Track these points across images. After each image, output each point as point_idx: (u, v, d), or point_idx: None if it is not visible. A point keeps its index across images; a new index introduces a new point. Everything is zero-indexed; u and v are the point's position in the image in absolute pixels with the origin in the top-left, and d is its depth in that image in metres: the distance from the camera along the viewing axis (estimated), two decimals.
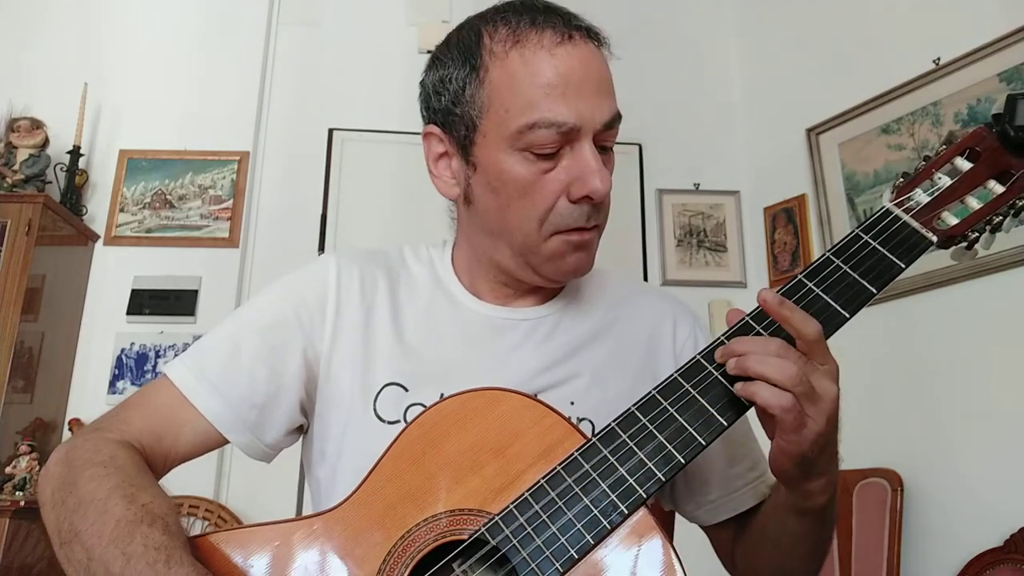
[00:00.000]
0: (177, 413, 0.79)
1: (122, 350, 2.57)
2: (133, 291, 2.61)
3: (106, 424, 0.77)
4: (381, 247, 0.93)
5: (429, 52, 0.85)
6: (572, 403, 0.81)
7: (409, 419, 0.77)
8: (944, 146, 0.75)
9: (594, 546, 0.63)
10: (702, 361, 0.68)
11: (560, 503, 0.65)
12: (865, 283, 0.68)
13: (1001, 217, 0.72)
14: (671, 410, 0.66)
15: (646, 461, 0.65)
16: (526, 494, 0.66)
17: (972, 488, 1.99)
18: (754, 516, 0.85)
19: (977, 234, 0.72)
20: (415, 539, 0.66)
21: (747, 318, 0.69)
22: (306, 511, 0.73)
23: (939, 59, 2.25)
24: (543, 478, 0.66)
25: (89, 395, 2.54)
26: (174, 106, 2.81)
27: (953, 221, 0.71)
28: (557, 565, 0.63)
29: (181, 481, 2.25)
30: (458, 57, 0.79)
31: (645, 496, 0.64)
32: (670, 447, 0.65)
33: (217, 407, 0.79)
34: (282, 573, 0.67)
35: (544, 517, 0.64)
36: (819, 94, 2.63)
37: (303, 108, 2.88)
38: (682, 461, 0.65)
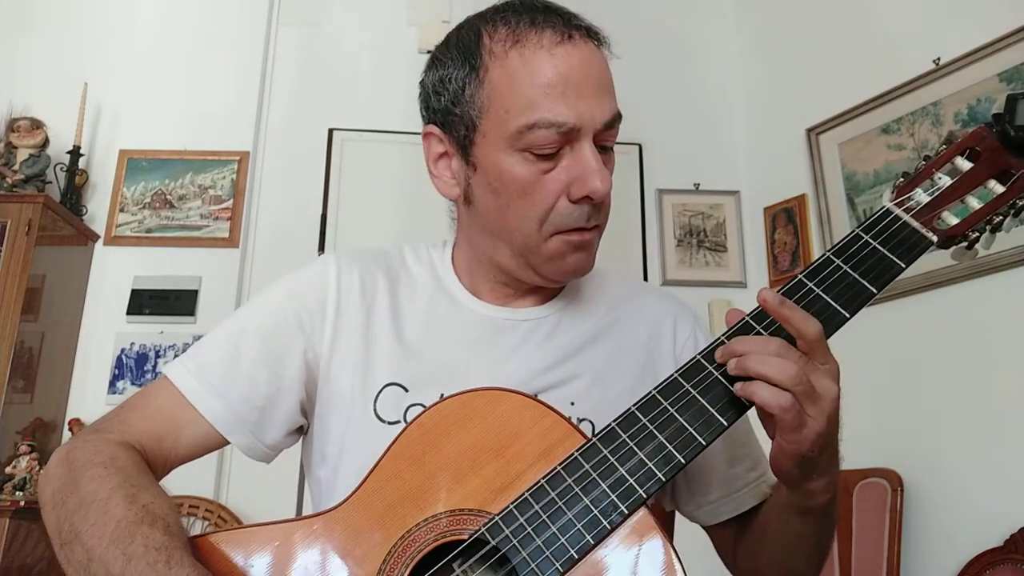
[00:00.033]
0: (177, 414, 0.79)
1: (122, 350, 2.57)
2: (133, 291, 2.61)
3: (106, 425, 0.77)
4: (381, 247, 0.93)
5: (429, 52, 0.85)
6: (572, 403, 0.81)
7: (409, 419, 0.77)
8: (944, 146, 0.75)
9: (594, 546, 0.63)
10: (702, 361, 0.68)
11: (560, 503, 0.65)
12: (865, 283, 0.68)
13: (1001, 217, 0.72)
14: (671, 410, 0.66)
15: (646, 461, 0.65)
16: (526, 494, 0.66)
17: (972, 488, 1.99)
18: (755, 516, 0.85)
19: (977, 234, 0.72)
20: (415, 539, 0.66)
21: (747, 318, 0.68)
22: (306, 511, 0.73)
23: (939, 59, 2.25)
24: (543, 478, 0.66)
25: (89, 395, 2.54)
26: (174, 106, 2.81)
27: (953, 221, 0.71)
28: (557, 565, 0.63)
29: (181, 481, 2.25)
30: (458, 57, 0.79)
31: (645, 496, 0.64)
32: (670, 447, 0.65)
33: (217, 408, 0.79)
34: (282, 573, 0.67)
35: (544, 517, 0.64)
36: (819, 94, 2.63)
37: (303, 108, 2.88)
38: (682, 461, 0.65)
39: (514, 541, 0.64)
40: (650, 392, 0.68)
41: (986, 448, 1.99)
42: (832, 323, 0.66)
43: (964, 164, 0.73)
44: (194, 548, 0.67)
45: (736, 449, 0.86)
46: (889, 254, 0.69)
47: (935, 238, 0.70)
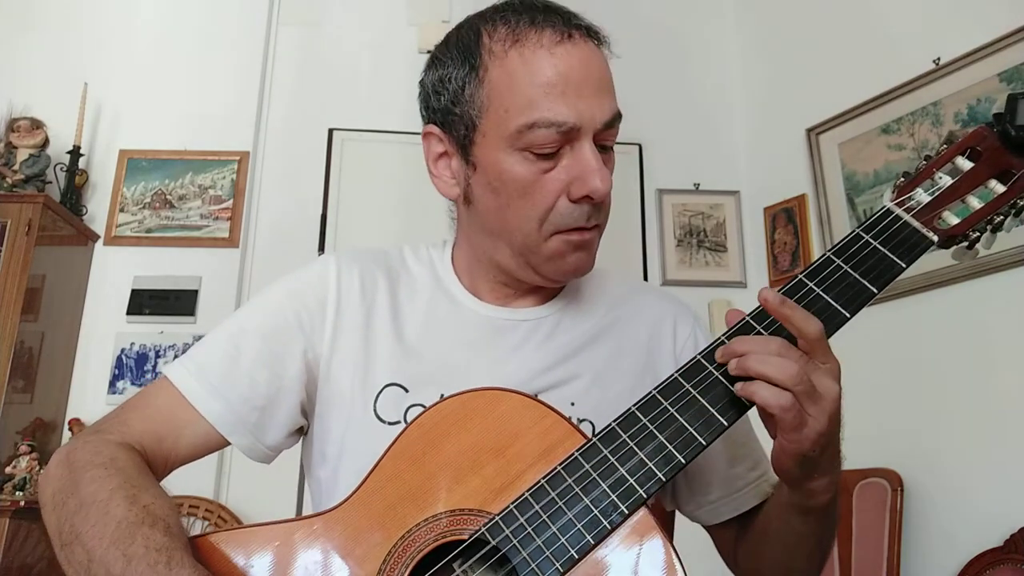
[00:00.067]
0: (178, 415, 0.79)
1: (122, 350, 2.57)
2: (133, 291, 2.61)
3: (106, 426, 0.77)
4: (381, 247, 0.93)
5: (429, 52, 0.85)
6: (572, 404, 0.81)
7: (409, 420, 0.77)
8: (945, 145, 0.75)
9: (594, 546, 0.63)
10: (702, 361, 0.68)
11: (560, 503, 0.65)
12: (866, 283, 0.68)
13: (1002, 216, 0.72)
14: (671, 410, 0.66)
15: (646, 461, 0.65)
16: (526, 494, 0.66)
17: (972, 488, 1.99)
18: (757, 515, 0.85)
19: (978, 234, 0.72)
20: (415, 539, 0.66)
21: (747, 318, 0.68)
22: (306, 511, 0.73)
23: (939, 59, 2.25)
24: (543, 478, 0.66)
25: (89, 395, 2.54)
26: (174, 106, 2.81)
27: (954, 221, 0.71)
28: (557, 565, 0.63)
29: (181, 481, 2.25)
30: (457, 57, 0.79)
31: (645, 496, 0.64)
32: (670, 447, 0.65)
33: (218, 409, 0.79)
34: (282, 573, 0.67)
35: (544, 517, 0.64)
36: (819, 94, 2.63)
37: (303, 108, 2.88)
38: (682, 461, 0.65)
39: (514, 541, 0.64)
40: (650, 392, 0.68)
41: (986, 448, 1.99)
42: (832, 323, 0.66)
43: (965, 164, 0.73)
44: (194, 548, 0.67)
45: (737, 449, 0.86)
46: (890, 254, 0.69)
47: (936, 238, 0.70)
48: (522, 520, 0.65)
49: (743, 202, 2.91)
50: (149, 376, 2.53)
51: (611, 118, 0.76)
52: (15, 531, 2.14)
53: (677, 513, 0.94)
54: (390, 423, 0.79)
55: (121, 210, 2.72)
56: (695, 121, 2.99)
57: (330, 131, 2.80)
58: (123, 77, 2.82)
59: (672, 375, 0.68)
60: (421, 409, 0.74)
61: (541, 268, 0.80)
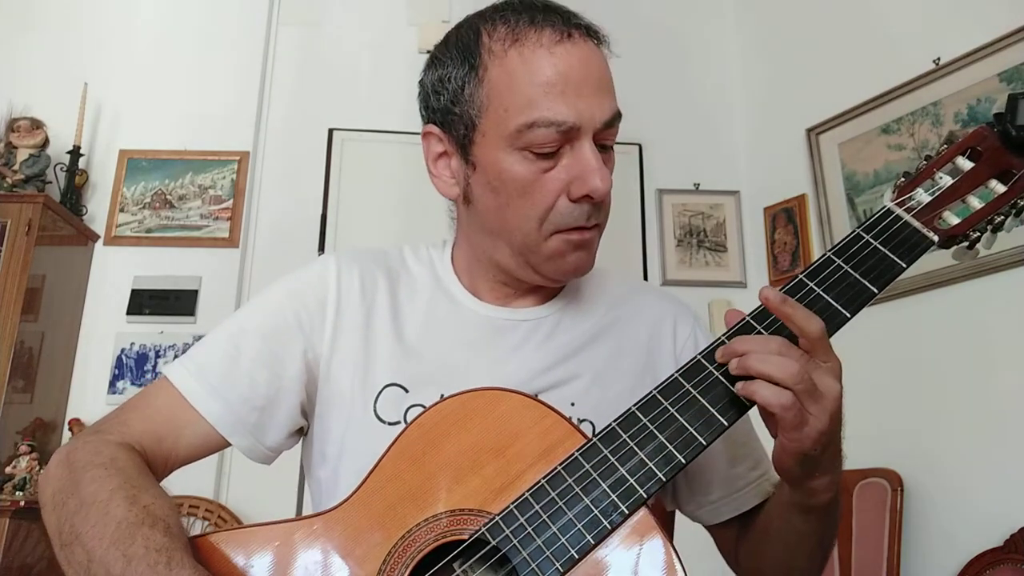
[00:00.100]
0: (177, 415, 0.79)
1: (122, 350, 2.56)
2: (133, 291, 2.61)
3: (106, 426, 0.77)
4: (381, 247, 0.93)
5: (429, 52, 0.85)
6: (572, 404, 0.81)
7: (409, 420, 0.77)
8: (945, 145, 0.75)
9: (595, 546, 0.63)
10: (703, 361, 0.68)
11: (560, 503, 0.65)
12: (866, 283, 0.68)
13: (1003, 216, 0.72)
14: (672, 410, 0.66)
15: (647, 461, 0.65)
16: (526, 494, 0.66)
17: (972, 488, 1.99)
18: (758, 515, 0.85)
19: (978, 233, 0.72)
20: (415, 539, 0.66)
21: (748, 318, 0.68)
22: (306, 512, 0.73)
23: (939, 59, 2.25)
24: (543, 478, 0.66)
25: (89, 395, 2.54)
26: (174, 106, 2.81)
27: (954, 221, 0.71)
28: (557, 565, 0.63)
29: (181, 481, 2.25)
30: (457, 56, 0.79)
31: (646, 496, 0.64)
32: (671, 447, 0.65)
33: (217, 409, 0.79)
34: (282, 573, 0.67)
35: (544, 517, 0.64)
36: (819, 94, 2.63)
37: (303, 108, 2.88)
38: (683, 461, 0.65)
39: (514, 541, 0.64)
40: (650, 392, 0.68)
41: (986, 448, 1.99)
42: (833, 323, 0.66)
43: (965, 164, 0.73)
44: (194, 548, 0.67)
45: (737, 448, 0.86)
46: (890, 254, 0.69)
47: (936, 238, 0.70)
48: (522, 520, 0.65)
49: (743, 202, 2.91)
50: (149, 376, 2.53)
51: (611, 117, 0.76)
52: (15, 531, 2.14)
53: (677, 513, 0.94)
54: (390, 423, 0.79)
55: (121, 210, 2.72)
56: (695, 121, 2.99)
57: (330, 131, 2.80)
58: (123, 77, 2.82)
59: (672, 375, 0.68)
60: (421, 409, 0.74)
61: (541, 268, 0.80)
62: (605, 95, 0.76)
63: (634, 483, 0.64)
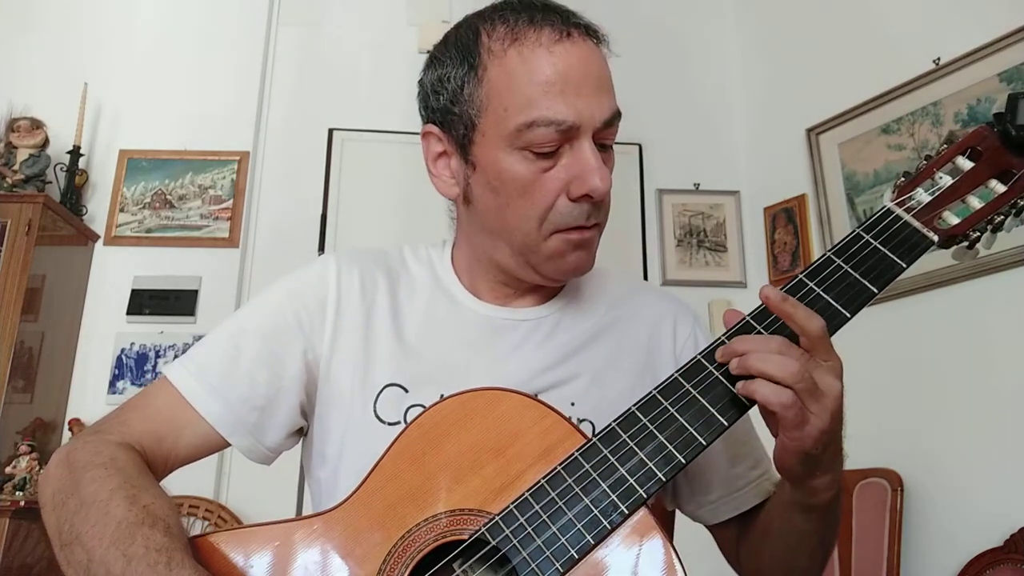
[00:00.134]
0: (177, 415, 0.79)
1: (122, 350, 2.56)
2: (133, 291, 2.61)
3: (106, 426, 0.77)
4: (381, 247, 0.93)
5: (429, 52, 0.85)
6: (572, 404, 0.81)
7: (409, 420, 0.77)
8: (945, 145, 0.75)
9: (594, 546, 0.63)
10: (702, 361, 0.68)
11: (560, 503, 0.65)
12: (866, 283, 0.68)
13: (1002, 216, 0.72)
14: (672, 410, 0.66)
15: (646, 461, 0.65)
16: (526, 494, 0.66)
17: (972, 488, 1.99)
18: (758, 514, 0.85)
19: (978, 233, 0.72)
20: (415, 539, 0.66)
21: (747, 318, 0.68)
22: (306, 512, 0.73)
23: (939, 59, 2.25)
24: (543, 478, 0.66)
25: (89, 395, 2.54)
26: (174, 106, 2.81)
27: (954, 220, 0.71)
28: (557, 565, 0.63)
29: (181, 481, 2.24)
30: (456, 56, 0.79)
31: (645, 496, 0.64)
32: (670, 447, 0.65)
33: (217, 409, 0.79)
34: (282, 573, 0.67)
35: (544, 517, 0.64)
36: (819, 94, 2.63)
37: (303, 108, 2.88)
38: (683, 461, 0.65)
39: (514, 541, 0.64)
40: (650, 392, 0.68)
41: (986, 448, 1.99)
42: (833, 323, 0.66)
43: (965, 164, 0.73)
44: (194, 548, 0.67)
45: (737, 448, 0.86)
46: (890, 254, 0.69)
47: (936, 238, 0.70)
48: (522, 520, 0.65)
49: (743, 202, 2.91)
50: (149, 376, 2.53)
51: (610, 116, 0.76)
52: (15, 531, 2.14)
53: (678, 513, 0.94)
54: (390, 423, 0.79)
55: (121, 210, 2.72)
56: (695, 121, 2.99)
57: (330, 131, 2.80)
58: (123, 77, 2.82)
59: (672, 375, 0.68)
60: (421, 409, 0.74)
61: (541, 267, 0.80)
62: (604, 94, 0.76)
63: (634, 483, 0.64)
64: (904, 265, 0.69)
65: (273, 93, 2.90)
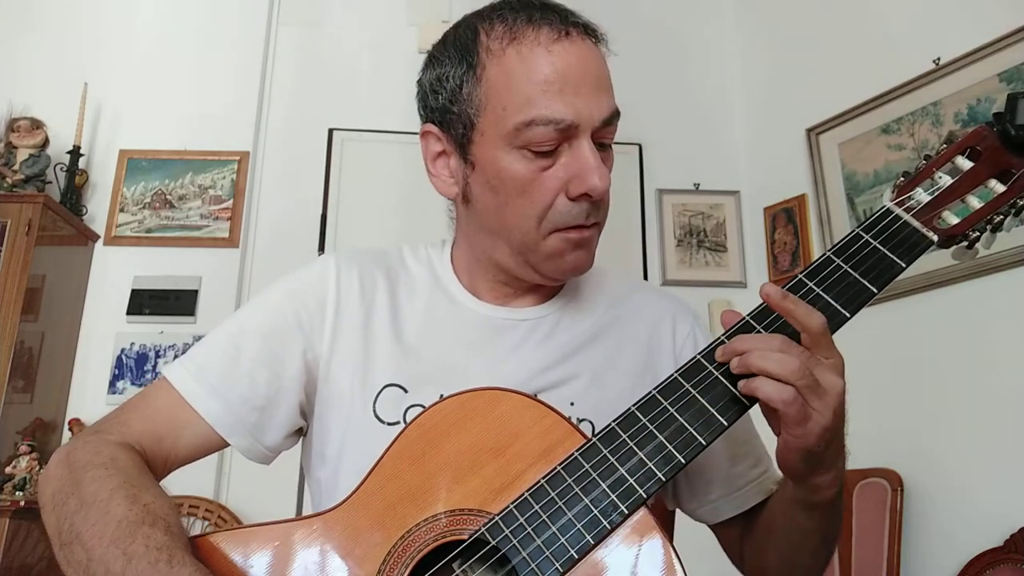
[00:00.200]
0: (177, 415, 0.79)
1: (122, 350, 2.56)
2: (133, 291, 2.61)
3: (106, 426, 0.77)
4: (380, 247, 0.93)
5: (428, 52, 0.85)
6: (572, 403, 0.81)
7: (408, 420, 0.77)
8: (945, 145, 0.75)
9: (594, 546, 0.63)
10: (702, 361, 0.68)
11: (560, 503, 0.65)
12: (866, 283, 0.68)
13: (1002, 216, 0.72)
14: (671, 410, 0.66)
15: (646, 461, 0.65)
16: (526, 494, 0.65)
17: (972, 488, 1.99)
18: (761, 512, 0.85)
19: (978, 233, 0.72)
20: (415, 539, 0.66)
21: (747, 318, 0.68)
22: (306, 512, 0.73)
23: (939, 59, 2.25)
24: (543, 478, 0.66)
25: (89, 395, 2.54)
26: (174, 106, 2.81)
27: (954, 220, 0.71)
28: (557, 565, 0.63)
29: (181, 481, 2.24)
30: (455, 55, 0.79)
31: (645, 496, 0.64)
32: (670, 447, 0.65)
33: (217, 410, 0.79)
34: (282, 573, 0.67)
35: (544, 517, 0.64)
36: (819, 94, 2.63)
37: (303, 108, 2.88)
38: (682, 461, 0.65)
39: (514, 541, 0.64)
40: (650, 392, 0.68)
41: (986, 448, 1.99)
42: (833, 323, 0.66)
43: (965, 163, 0.73)
44: (194, 548, 0.67)
45: (738, 447, 0.86)
46: (889, 254, 0.69)
47: (935, 237, 0.70)
48: (522, 520, 0.65)
49: (743, 202, 2.91)
50: (149, 376, 2.53)
51: (609, 115, 0.76)
52: (15, 531, 2.14)
53: (678, 513, 0.94)
54: (389, 423, 0.79)
55: (121, 210, 2.72)
56: (695, 121, 2.99)
57: (330, 131, 2.80)
58: (123, 77, 2.82)
59: (672, 375, 0.68)
60: (420, 409, 0.74)
61: (540, 266, 0.80)
62: (603, 93, 0.76)
63: (634, 483, 0.64)
64: (904, 265, 0.69)
65: (273, 93, 2.90)
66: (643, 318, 0.89)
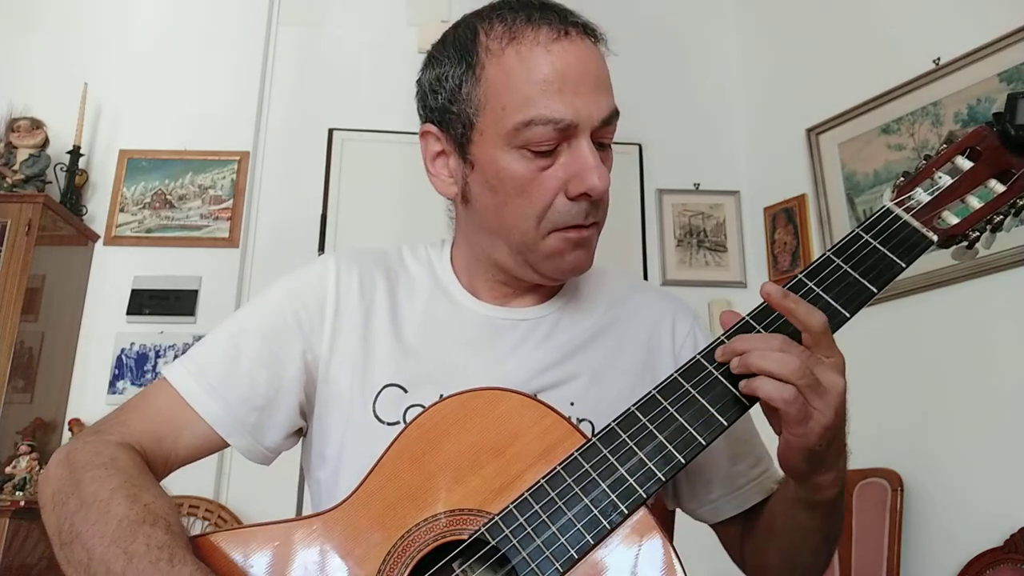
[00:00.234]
0: (177, 415, 0.79)
1: (122, 350, 2.56)
2: (133, 291, 2.61)
3: (106, 427, 0.77)
4: (380, 247, 0.93)
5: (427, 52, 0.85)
6: (572, 403, 0.81)
7: (408, 420, 0.77)
8: (945, 145, 0.75)
9: (594, 546, 0.63)
10: (702, 361, 0.68)
11: (560, 503, 0.65)
12: (865, 283, 0.68)
13: (1002, 216, 0.72)
14: (671, 410, 0.66)
15: (646, 461, 0.65)
16: (526, 494, 0.65)
17: (972, 488, 1.99)
18: (762, 512, 0.85)
19: (978, 233, 0.72)
20: (415, 539, 0.66)
21: (747, 318, 0.68)
22: (306, 512, 0.73)
23: (939, 59, 2.25)
24: (543, 478, 0.66)
25: (89, 395, 2.54)
26: (174, 106, 2.81)
27: (954, 220, 0.71)
28: (557, 565, 0.63)
29: (181, 481, 2.25)
30: (454, 55, 0.79)
31: (645, 496, 0.64)
32: (670, 447, 0.65)
33: (216, 410, 0.79)
34: (282, 573, 0.67)
35: (544, 517, 0.64)
36: (819, 94, 2.63)
37: (303, 108, 2.88)
38: (682, 461, 0.65)
39: (514, 541, 0.64)
40: (650, 392, 0.68)
41: (986, 448, 1.98)
42: (833, 323, 0.66)
43: (964, 163, 0.73)
44: (194, 548, 0.67)
45: (738, 447, 0.86)
46: (889, 254, 0.69)
47: (935, 237, 0.70)
48: (522, 520, 0.65)
49: (743, 202, 2.91)
50: (149, 376, 2.53)
51: (608, 115, 0.76)
52: (15, 531, 2.14)
53: (678, 513, 0.94)
54: (389, 423, 0.79)
55: (121, 210, 2.73)
56: (695, 121, 2.99)
57: (330, 131, 2.80)
58: (123, 77, 2.82)
59: (672, 375, 0.68)
60: (420, 409, 0.74)
61: (540, 266, 0.80)
62: (602, 93, 0.76)
63: (633, 483, 0.64)
64: (904, 265, 0.69)
65: (273, 93, 2.90)
66: (643, 318, 0.89)
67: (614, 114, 0.77)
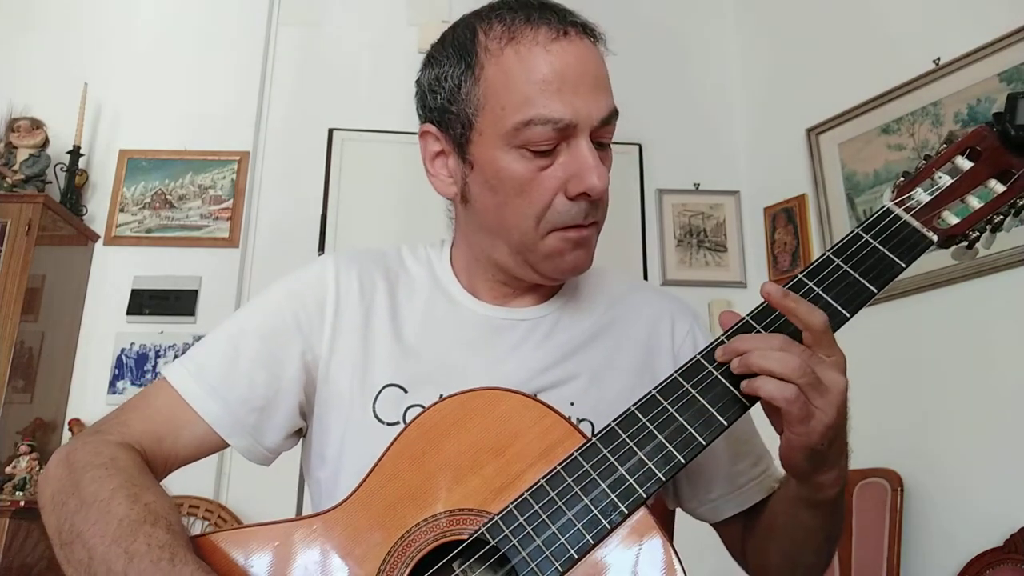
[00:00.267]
0: (177, 416, 0.79)
1: (122, 350, 2.57)
2: (133, 291, 2.61)
3: (106, 427, 0.77)
4: (379, 247, 0.93)
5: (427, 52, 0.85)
6: (572, 403, 0.81)
7: (408, 420, 0.77)
8: (945, 145, 0.75)
9: (594, 546, 0.63)
10: (702, 361, 0.68)
11: (560, 503, 0.65)
12: (865, 283, 0.68)
13: (1002, 216, 0.72)
14: (671, 410, 0.66)
15: (646, 461, 0.65)
16: (526, 494, 0.65)
17: (972, 488, 1.99)
18: (763, 511, 0.85)
19: (978, 233, 0.72)
20: (415, 539, 0.66)
21: (747, 318, 0.68)
22: (306, 513, 0.73)
23: (939, 59, 2.25)
24: (543, 478, 0.66)
25: (89, 395, 2.54)
26: (174, 106, 2.81)
27: (954, 220, 0.71)
28: (557, 565, 0.63)
29: (181, 481, 2.25)
30: (453, 55, 0.79)
31: (645, 496, 0.64)
32: (670, 447, 0.65)
33: (216, 410, 0.79)
34: (282, 573, 0.67)
35: (544, 517, 0.64)
36: (819, 94, 2.63)
37: (303, 108, 2.88)
38: (682, 461, 0.65)
39: (514, 541, 0.64)
40: (650, 392, 0.68)
41: (986, 448, 1.99)
42: (832, 323, 0.66)
43: (964, 163, 0.73)
44: (194, 548, 0.67)
45: (739, 446, 0.86)
46: (889, 254, 0.69)
47: (935, 237, 0.70)
48: (521, 520, 0.65)
49: (743, 202, 2.91)
50: (149, 376, 2.53)
51: (608, 115, 0.76)
52: (15, 531, 2.14)
53: (678, 513, 0.94)
54: (389, 424, 0.79)
55: (121, 210, 2.73)
56: (695, 121, 2.99)
57: (330, 131, 2.80)
58: (123, 77, 2.82)
59: (672, 375, 0.68)
60: (420, 409, 0.74)
61: (539, 266, 0.80)
62: (602, 92, 0.76)
63: (633, 483, 0.64)
64: (904, 265, 0.69)
65: (273, 93, 2.91)
66: (642, 318, 0.89)
67: (613, 114, 0.77)
